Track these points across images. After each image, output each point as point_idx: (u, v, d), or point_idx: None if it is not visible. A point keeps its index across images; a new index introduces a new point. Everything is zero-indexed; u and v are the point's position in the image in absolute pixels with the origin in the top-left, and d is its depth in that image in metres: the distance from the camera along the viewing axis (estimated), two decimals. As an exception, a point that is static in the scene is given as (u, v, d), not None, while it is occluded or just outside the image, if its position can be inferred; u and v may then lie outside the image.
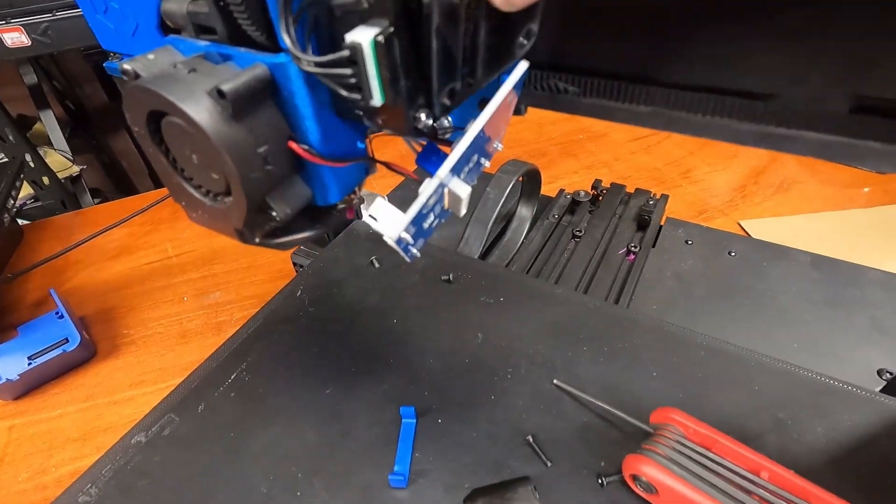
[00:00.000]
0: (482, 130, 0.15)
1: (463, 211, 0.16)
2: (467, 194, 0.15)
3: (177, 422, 0.28)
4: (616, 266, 0.42)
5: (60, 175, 1.21)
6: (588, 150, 0.73)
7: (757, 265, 0.43)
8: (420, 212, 0.14)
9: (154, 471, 0.26)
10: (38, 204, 1.16)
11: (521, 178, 0.46)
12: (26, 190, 1.16)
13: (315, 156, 0.16)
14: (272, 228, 0.17)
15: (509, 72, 0.15)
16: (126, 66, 0.15)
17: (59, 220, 0.69)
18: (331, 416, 0.28)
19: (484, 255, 0.44)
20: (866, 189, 0.64)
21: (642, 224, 0.46)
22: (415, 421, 0.27)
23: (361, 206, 0.42)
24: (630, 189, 0.51)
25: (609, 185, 0.50)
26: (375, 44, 0.12)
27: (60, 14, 0.93)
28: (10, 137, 1.03)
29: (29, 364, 0.43)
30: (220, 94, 0.13)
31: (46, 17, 0.92)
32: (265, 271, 0.56)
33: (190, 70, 0.14)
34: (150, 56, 0.15)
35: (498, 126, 0.16)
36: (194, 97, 0.13)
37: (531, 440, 0.26)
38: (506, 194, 0.39)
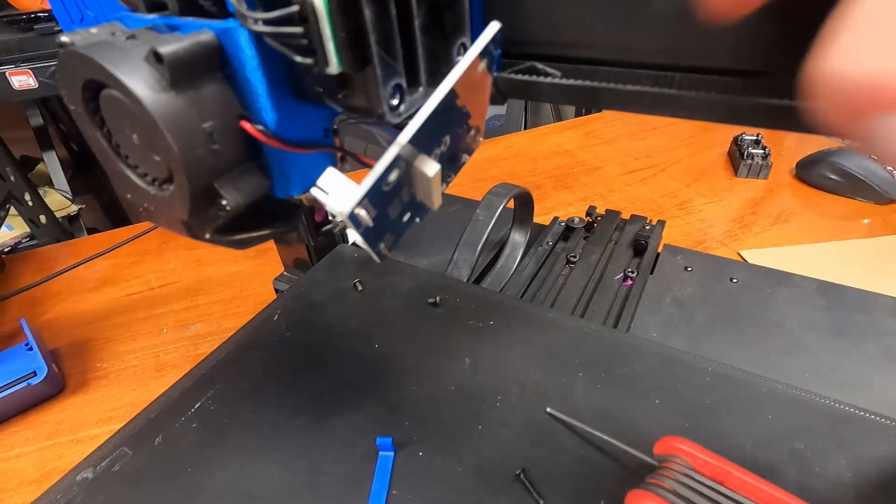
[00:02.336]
0: (451, 98, 0.13)
1: (436, 201, 0.15)
2: (435, 172, 0.13)
3: (129, 456, 0.25)
4: (613, 292, 0.40)
5: (59, 214, 1.21)
6: (582, 183, 0.73)
7: (760, 292, 0.41)
8: (377, 186, 0.13)
9: (97, 511, 0.23)
10: (34, 242, 1.15)
11: (512, 205, 0.45)
12: (22, 228, 1.16)
13: (270, 138, 0.14)
14: (225, 223, 0.16)
15: (476, 36, 0.14)
16: (64, 38, 0.13)
17: (45, 251, 0.67)
18: (298, 450, 0.25)
19: (476, 282, 0.42)
20: (866, 220, 0.63)
21: (639, 250, 0.44)
22: (392, 454, 0.25)
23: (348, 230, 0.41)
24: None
25: (604, 212, 0.49)
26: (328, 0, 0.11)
27: (69, 59, 0.96)
28: (11, 177, 1.04)
29: (-10, 398, 0.41)
30: (158, 57, 0.12)
31: (55, 62, 0.95)
32: (250, 302, 0.54)
33: (128, 37, 0.13)
34: (93, 30, 0.14)
35: (473, 106, 0.15)
36: (130, 63, 0.12)
37: (522, 475, 0.23)
38: (496, 216, 0.38)
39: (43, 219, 1.12)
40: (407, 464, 0.24)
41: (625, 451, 0.23)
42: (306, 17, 0.12)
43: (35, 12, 1.10)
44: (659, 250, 0.45)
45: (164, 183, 0.15)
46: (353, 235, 0.14)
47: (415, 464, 0.24)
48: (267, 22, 0.12)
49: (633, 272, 0.41)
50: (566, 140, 0.83)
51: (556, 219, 0.51)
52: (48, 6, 1.15)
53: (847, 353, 0.36)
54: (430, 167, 0.13)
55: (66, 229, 1.22)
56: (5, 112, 1.29)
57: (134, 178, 0.15)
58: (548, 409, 0.26)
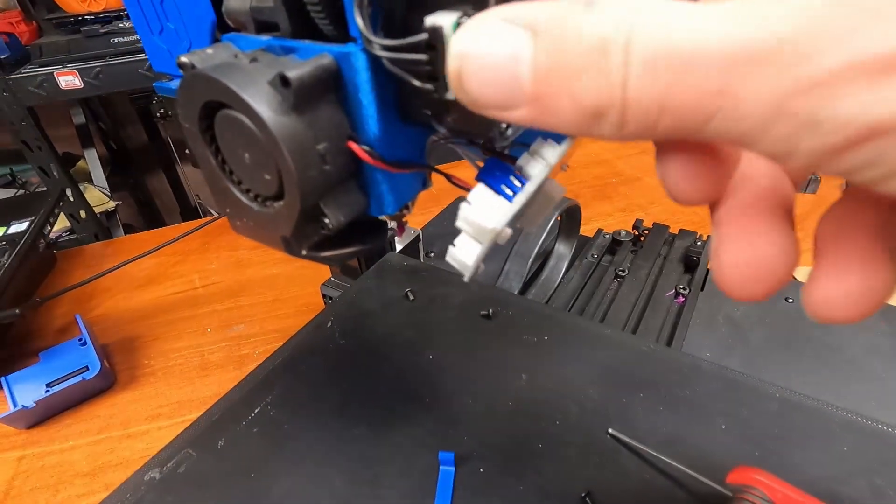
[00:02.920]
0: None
1: (540, 220, 0.15)
2: (561, 194, 0.13)
3: (194, 458, 0.26)
4: (664, 308, 0.39)
5: (97, 209, 1.25)
6: (621, 194, 0.72)
7: (818, 313, 0.40)
8: (521, 207, 0.12)
9: (166, 512, 0.24)
10: (73, 237, 1.19)
11: (559, 217, 0.44)
12: (63, 223, 1.20)
13: (376, 159, 0.14)
14: (321, 239, 0.16)
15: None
16: (184, 59, 0.14)
17: (91, 248, 0.69)
18: (360, 461, 0.26)
19: (521, 292, 0.42)
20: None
21: (689, 266, 0.44)
22: (453, 469, 0.25)
23: (395, 238, 0.40)
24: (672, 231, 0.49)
25: (651, 225, 0.48)
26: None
27: (113, 60, 0.99)
28: (55, 173, 1.07)
29: (46, 391, 0.42)
30: (285, 82, 0.12)
31: (100, 62, 0.99)
32: (291, 305, 0.55)
33: (251, 60, 0.13)
34: (209, 51, 0.14)
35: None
36: (256, 86, 0.12)
37: (587, 498, 0.23)
38: (548, 228, 0.37)
39: (83, 214, 1.15)
40: (468, 480, 0.24)
41: (694, 478, 0.23)
42: (433, 46, 0.12)
43: (82, 15, 1.14)
44: (709, 266, 0.44)
45: (268, 200, 0.15)
46: (463, 254, 0.14)
47: (476, 480, 0.24)
48: (391, 48, 0.12)
49: (684, 289, 0.40)
50: (603, 149, 0.83)
51: (600, 231, 0.50)
52: (95, 9, 1.19)
53: (913, 381, 0.35)
54: (558, 189, 0.13)
55: (103, 225, 1.26)
56: (50, 110, 1.34)
57: (238, 194, 0.15)
58: (610, 430, 0.26)
